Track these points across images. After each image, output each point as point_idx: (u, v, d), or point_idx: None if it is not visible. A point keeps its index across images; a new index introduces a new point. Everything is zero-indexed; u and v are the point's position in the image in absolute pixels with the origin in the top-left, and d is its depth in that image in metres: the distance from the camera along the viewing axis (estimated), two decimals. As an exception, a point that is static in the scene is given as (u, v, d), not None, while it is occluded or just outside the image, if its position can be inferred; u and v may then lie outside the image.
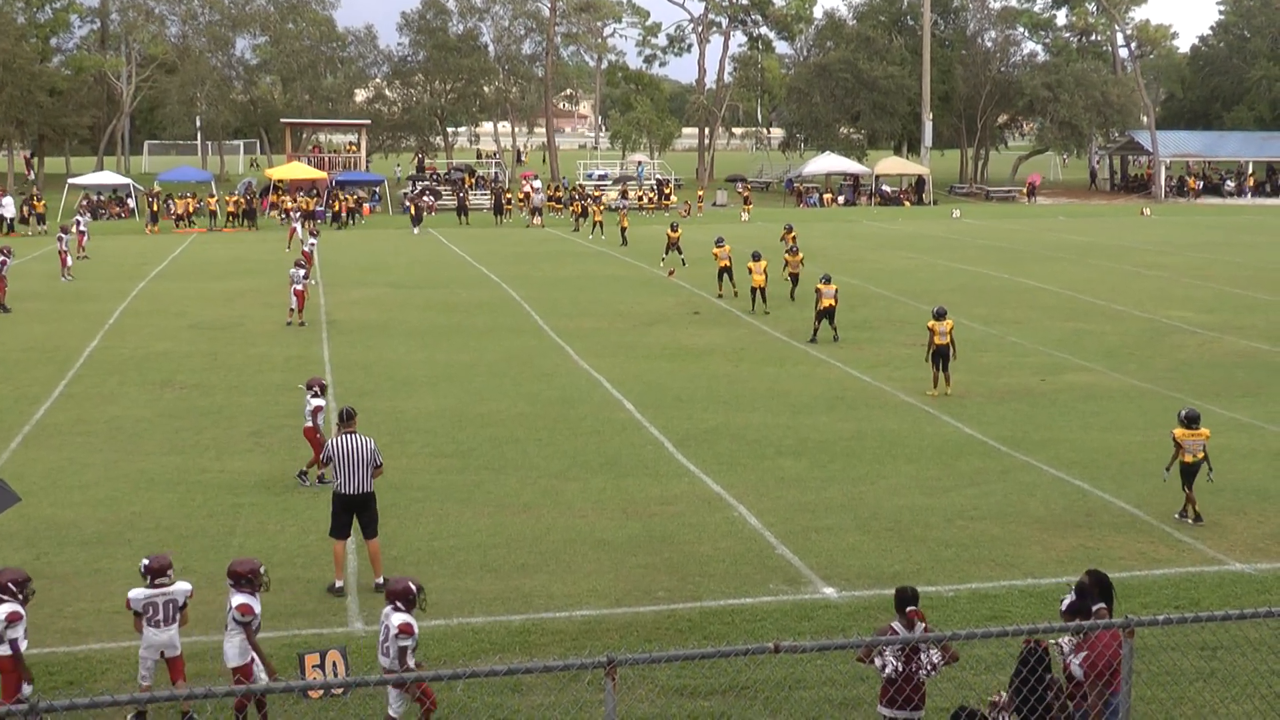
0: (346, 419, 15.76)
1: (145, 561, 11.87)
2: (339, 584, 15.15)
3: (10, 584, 11.18)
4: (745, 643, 13.12)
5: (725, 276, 38.50)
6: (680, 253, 46.02)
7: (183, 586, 11.91)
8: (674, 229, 47.18)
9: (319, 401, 19.34)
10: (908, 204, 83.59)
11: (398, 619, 10.95)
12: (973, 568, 15.69)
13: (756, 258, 35.32)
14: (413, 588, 11.08)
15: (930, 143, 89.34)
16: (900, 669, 10.12)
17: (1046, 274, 43.97)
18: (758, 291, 35.30)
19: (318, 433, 19.17)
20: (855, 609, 14.37)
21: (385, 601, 11.25)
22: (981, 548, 16.36)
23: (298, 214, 58.53)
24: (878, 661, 10.24)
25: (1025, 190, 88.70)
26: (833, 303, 30.57)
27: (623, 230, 55.61)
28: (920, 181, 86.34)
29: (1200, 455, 17.47)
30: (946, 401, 24.45)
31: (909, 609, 10.36)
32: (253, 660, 11.45)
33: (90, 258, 49.50)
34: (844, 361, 28.41)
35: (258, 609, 11.50)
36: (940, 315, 25.33)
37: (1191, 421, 17.61)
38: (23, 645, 11.17)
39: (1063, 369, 27.85)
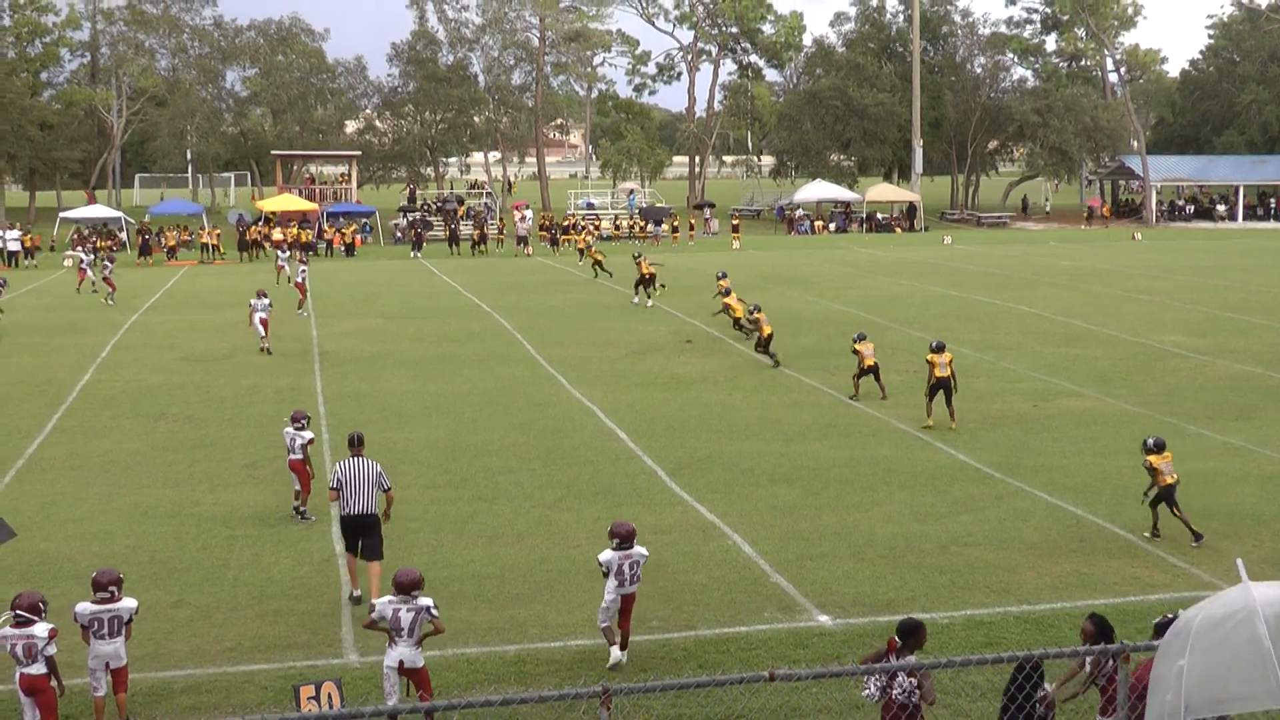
0: (356, 444, 16.32)
1: (93, 575, 12.36)
2: (356, 593, 15.57)
3: (40, 604, 11.71)
4: (740, 671, 13.07)
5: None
6: (651, 284, 44.19)
7: (129, 604, 12.35)
8: (641, 260, 45.18)
9: (309, 434, 19.35)
10: (899, 230, 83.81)
11: (426, 601, 12.01)
12: (967, 594, 15.68)
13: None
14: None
15: (921, 169, 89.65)
16: (876, 696, 10.14)
17: (1038, 299, 44.07)
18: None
19: (307, 464, 19.16)
20: (850, 636, 14.35)
21: (399, 590, 11.93)
22: (976, 574, 16.35)
23: (286, 248, 58.37)
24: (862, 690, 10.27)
25: (1085, 214, 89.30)
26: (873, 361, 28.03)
27: (597, 263, 53.08)
28: (911, 208, 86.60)
29: (1176, 477, 17.62)
30: (939, 428, 24.44)
31: (891, 638, 10.34)
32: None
33: (81, 293, 49.43)
34: (836, 389, 28.43)
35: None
36: (939, 349, 25.03)
37: (1160, 447, 17.83)
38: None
39: (1055, 394, 27.89)
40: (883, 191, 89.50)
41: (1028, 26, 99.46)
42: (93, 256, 53.35)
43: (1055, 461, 22.04)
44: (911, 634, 10.35)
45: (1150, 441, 18.05)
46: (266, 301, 35.28)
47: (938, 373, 24.67)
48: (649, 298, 44.05)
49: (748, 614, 15.10)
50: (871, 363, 27.02)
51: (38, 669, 11.58)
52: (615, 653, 13.74)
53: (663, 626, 14.72)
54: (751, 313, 33.46)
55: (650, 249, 69.17)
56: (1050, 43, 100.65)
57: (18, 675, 11.62)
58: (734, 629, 14.65)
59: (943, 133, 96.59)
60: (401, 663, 11.91)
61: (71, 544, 17.93)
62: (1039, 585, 15.94)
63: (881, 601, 15.31)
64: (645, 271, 44.11)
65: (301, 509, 19.18)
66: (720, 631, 14.57)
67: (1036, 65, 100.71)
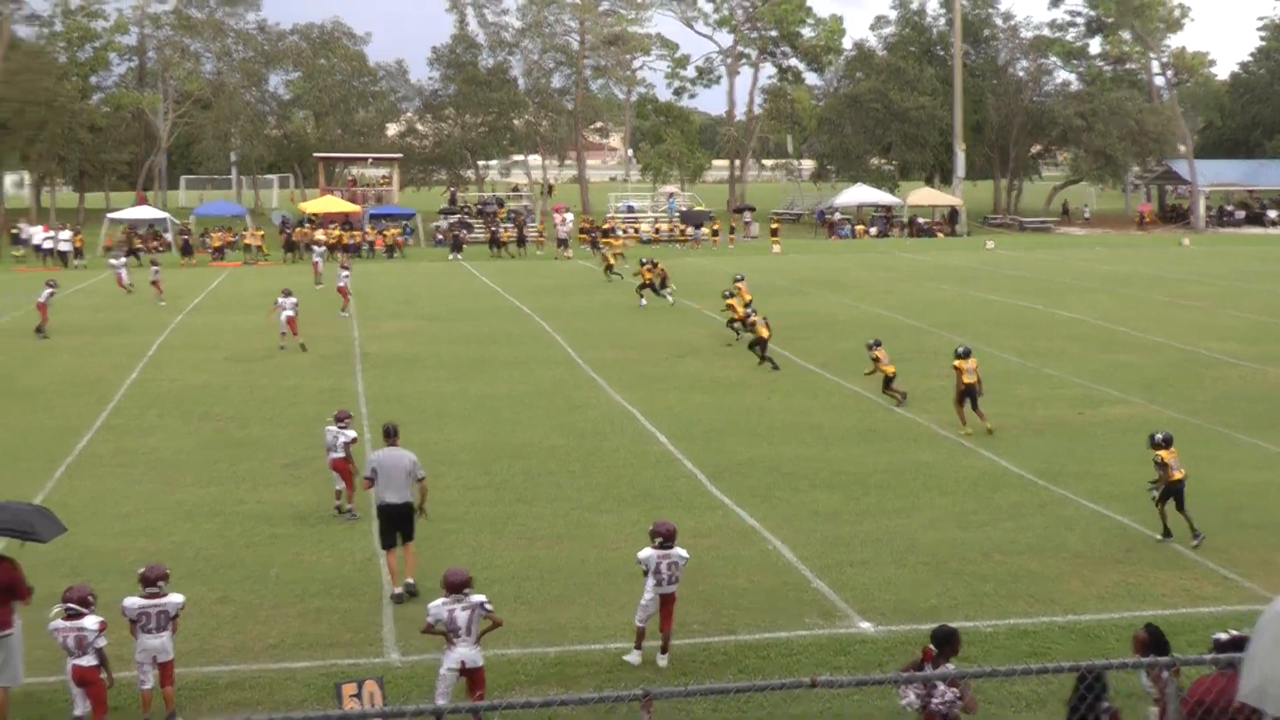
0: (391, 434, 16.65)
1: (140, 570, 12.53)
2: (397, 591, 15.76)
3: (90, 597, 11.96)
4: (781, 677, 13.05)
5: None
6: (659, 290, 44.91)
7: (175, 599, 12.52)
8: (648, 265, 46.05)
9: (351, 433, 19.47)
10: (940, 235, 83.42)
11: (479, 597, 12.13)
12: (1011, 603, 15.56)
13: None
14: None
15: (962, 173, 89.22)
16: (916, 705, 10.06)
17: (1082, 305, 43.76)
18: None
19: (350, 463, 19.25)
20: (892, 643, 14.28)
21: (450, 590, 12.01)
22: (1020, 583, 16.23)
23: (322, 249, 58.46)
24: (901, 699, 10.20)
25: (1137, 219, 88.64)
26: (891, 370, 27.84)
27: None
28: (953, 212, 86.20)
29: (1184, 472, 17.60)
30: (982, 434, 24.28)
31: (926, 647, 10.27)
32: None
33: (131, 292, 49.75)
34: (877, 394, 28.29)
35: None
36: (966, 354, 24.89)
37: (1168, 442, 17.90)
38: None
39: (1100, 401, 27.66)
40: (924, 196, 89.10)
41: (1071, 29, 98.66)
42: (123, 259, 53.46)
43: (1100, 469, 21.86)
44: (946, 642, 10.28)
45: (1158, 436, 18.06)
46: (293, 300, 35.90)
47: (966, 378, 24.53)
48: (669, 297, 44.76)
49: (788, 619, 15.05)
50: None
51: (88, 660, 11.78)
52: (635, 655, 13.78)
53: (703, 630, 14.70)
54: (749, 315, 33.57)
55: (690, 252, 69.22)
56: (1094, 46, 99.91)
57: (69, 666, 11.80)
58: (775, 634, 14.61)
59: (984, 136, 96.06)
60: (463, 663, 11.94)
61: (119, 540, 18.10)
62: (1085, 595, 15.80)
63: (924, 609, 15.22)
64: (646, 277, 44.99)
65: (348, 507, 19.25)
66: (761, 637, 14.53)
67: (1080, 68, 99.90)
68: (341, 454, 19.25)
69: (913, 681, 9.98)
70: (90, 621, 11.81)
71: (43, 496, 20.00)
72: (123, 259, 53.83)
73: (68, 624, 11.79)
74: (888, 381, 27.43)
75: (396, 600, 15.62)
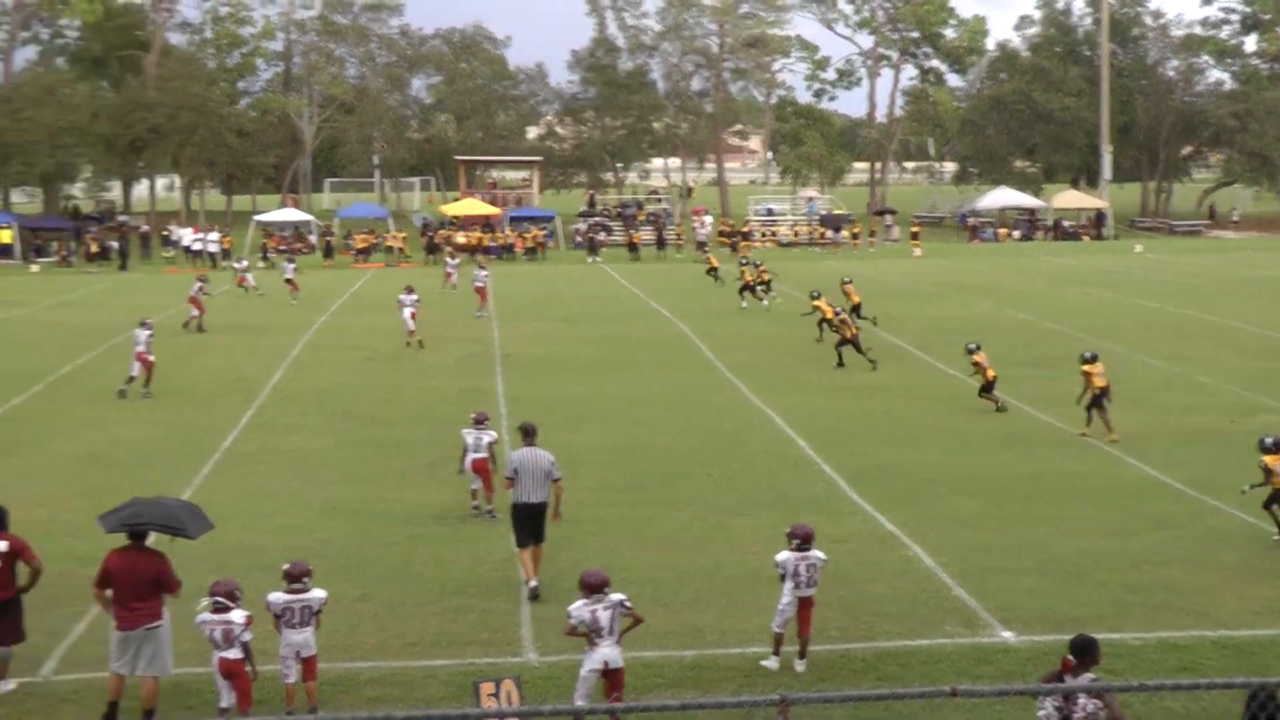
0: (530, 433, 16.77)
1: (285, 566, 12.71)
2: (533, 583, 15.93)
3: (236, 591, 12.18)
4: (921, 685, 12.85)
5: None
6: (761, 295, 45.07)
7: (318, 595, 12.68)
8: (749, 266, 46.65)
9: (493, 434, 19.66)
10: (1086, 239, 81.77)
11: (618, 595, 12.14)
12: (1160, 616, 15.11)
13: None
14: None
15: (1109, 175, 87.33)
16: (1055, 716, 9.79)
17: (1236, 310, 42.50)
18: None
19: (492, 462, 19.40)
20: (1035, 654, 13.95)
21: (590, 591, 12.00)
22: (1169, 595, 15.77)
23: (456, 258, 58.82)
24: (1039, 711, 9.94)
25: None
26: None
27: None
28: (1099, 215, 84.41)
29: None
30: (1130, 442, 23.68)
31: (1065, 657, 10.00)
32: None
33: (265, 294, 50.73)
34: (1020, 400, 27.79)
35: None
36: (1094, 359, 24.43)
37: (1278, 446, 17.77)
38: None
39: (1255, 410, 26.76)
40: (1069, 198, 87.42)
41: (1225, 27, 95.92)
42: (245, 264, 54.45)
43: (1255, 480, 21.13)
44: (1085, 651, 10.01)
45: (1269, 441, 17.84)
46: (414, 297, 37.09)
47: (1097, 382, 24.09)
48: (762, 299, 44.92)
49: (928, 627, 14.81)
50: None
51: (234, 654, 12.01)
52: (773, 661, 13.67)
53: (842, 636, 14.52)
54: (838, 314, 33.74)
55: (829, 256, 68.84)
56: (1250, 43, 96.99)
57: (215, 659, 12.04)
58: (914, 642, 14.38)
59: (1132, 138, 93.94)
60: (606, 664, 11.93)
61: (263, 536, 18.45)
62: (1239, 610, 15.28)
63: (1067, 619, 14.83)
64: (746, 278, 45.49)
65: (487, 508, 19.39)
66: (900, 644, 14.32)
67: (1234, 67, 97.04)
68: (485, 454, 19.42)
69: (1056, 693, 9.74)
70: (237, 615, 12.03)
71: (191, 493, 20.47)
72: (244, 261, 54.96)
73: (215, 617, 12.03)
74: (989, 386, 27.03)
75: (533, 595, 15.76)
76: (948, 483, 21.22)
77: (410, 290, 37.56)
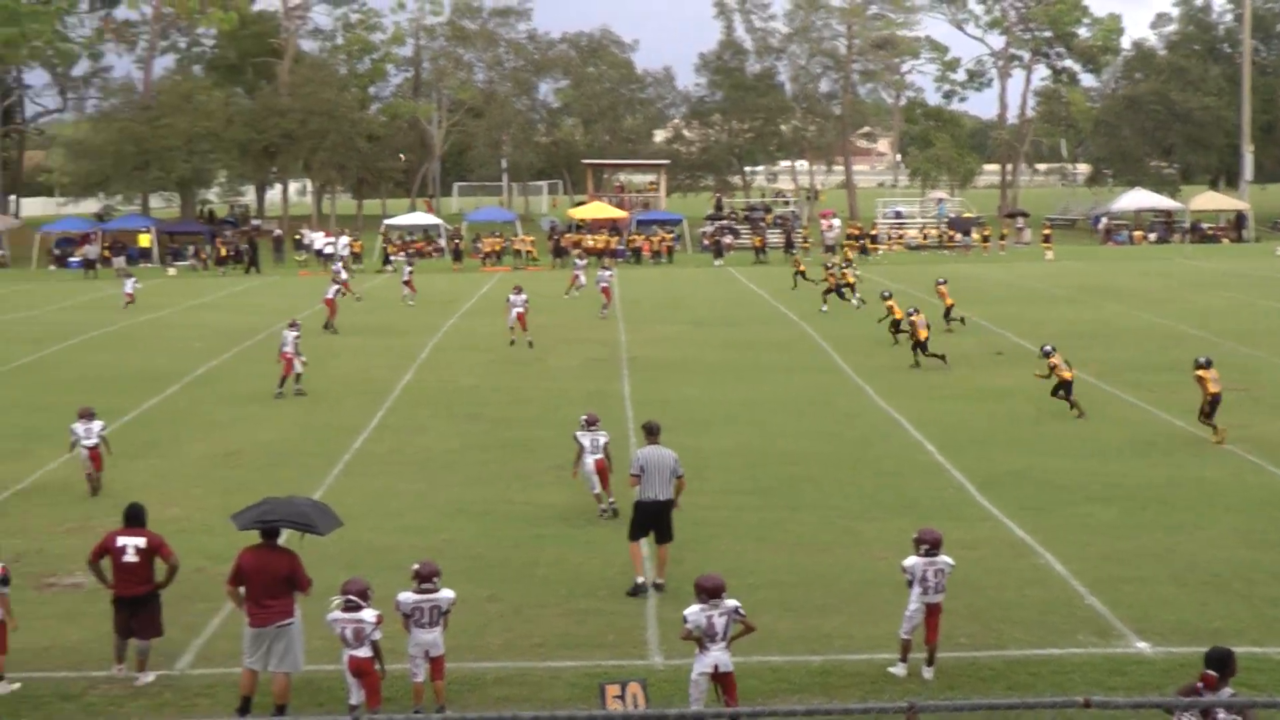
0: (654, 432, 16.80)
1: (415, 566, 12.82)
2: (640, 580, 16.04)
3: (367, 590, 12.35)
4: (1053, 695, 12.60)
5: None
6: (848, 297, 45.06)
7: (447, 595, 12.80)
8: (833, 270, 46.76)
9: (606, 435, 19.99)
10: (1225, 241, 79.71)
11: (733, 602, 12.04)
12: (1304, 629, 14.66)
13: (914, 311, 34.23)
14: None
15: (1250, 176, 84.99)
16: None
17: (1382, 315, 41.13)
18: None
19: (608, 460, 19.64)
20: (1171, 666, 13.60)
21: (707, 596, 11.95)
22: (1314, 607, 15.28)
23: (584, 262, 58.95)
24: None
25: None
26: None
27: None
28: (1239, 217, 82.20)
29: None
30: (1271, 449, 23.02)
31: (1205, 672, 9.74)
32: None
33: (363, 298, 50.77)
34: (1155, 405, 27.17)
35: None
36: (1208, 364, 23.86)
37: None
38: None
39: (1402, 416, 25.91)
40: (1208, 200, 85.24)
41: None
42: (344, 277, 54.86)
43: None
44: (1222, 664, 9.75)
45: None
46: (523, 297, 37.75)
47: (1211, 388, 23.55)
48: (851, 300, 45.03)
49: (1060, 636, 14.53)
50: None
51: (364, 652, 12.18)
52: (900, 667, 13.54)
53: (970, 644, 14.31)
54: (910, 314, 33.75)
55: (959, 259, 68.08)
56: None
57: (346, 657, 12.22)
58: (1046, 651, 14.11)
59: (1275, 137, 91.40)
60: (716, 667, 11.93)
61: (392, 536, 18.70)
62: (1393, 624, 14.75)
63: (1206, 631, 14.44)
64: (830, 282, 45.64)
65: (609, 500, 19.54)
66: (1031, 653, 14.07)
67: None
68: (602, 455, 19.59)
69: (1194, 707, 9.50)
70: (368, 614, 12.20)
71: (322, 492, 20.82)
72: (342, 268, 55.58)
73: (346, 616, 12.20)
74: (1065, 386, 26.63)
75: (638, 591, 15.84)
76: (1080, 489, 20.81)
77: (519, 290, 38.25)
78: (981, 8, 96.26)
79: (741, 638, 12.29)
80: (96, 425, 21.63)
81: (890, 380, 30.80)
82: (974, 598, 15.64)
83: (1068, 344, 34.58)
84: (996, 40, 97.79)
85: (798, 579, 16.62)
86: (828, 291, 45.30)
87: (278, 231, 79.12)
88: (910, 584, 13.54)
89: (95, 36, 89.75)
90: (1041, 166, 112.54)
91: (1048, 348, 27.62)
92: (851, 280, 45.93)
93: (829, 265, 48.04)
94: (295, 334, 30.11)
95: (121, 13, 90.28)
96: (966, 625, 14.77)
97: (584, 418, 20.19)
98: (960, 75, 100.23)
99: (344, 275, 51.10)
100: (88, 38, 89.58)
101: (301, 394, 29.65)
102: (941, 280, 41.65)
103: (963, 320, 38.79)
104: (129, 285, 50.72)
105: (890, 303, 36.78)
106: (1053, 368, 26.77)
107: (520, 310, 37.50)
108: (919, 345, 32.59)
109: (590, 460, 19.63)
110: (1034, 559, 17.35)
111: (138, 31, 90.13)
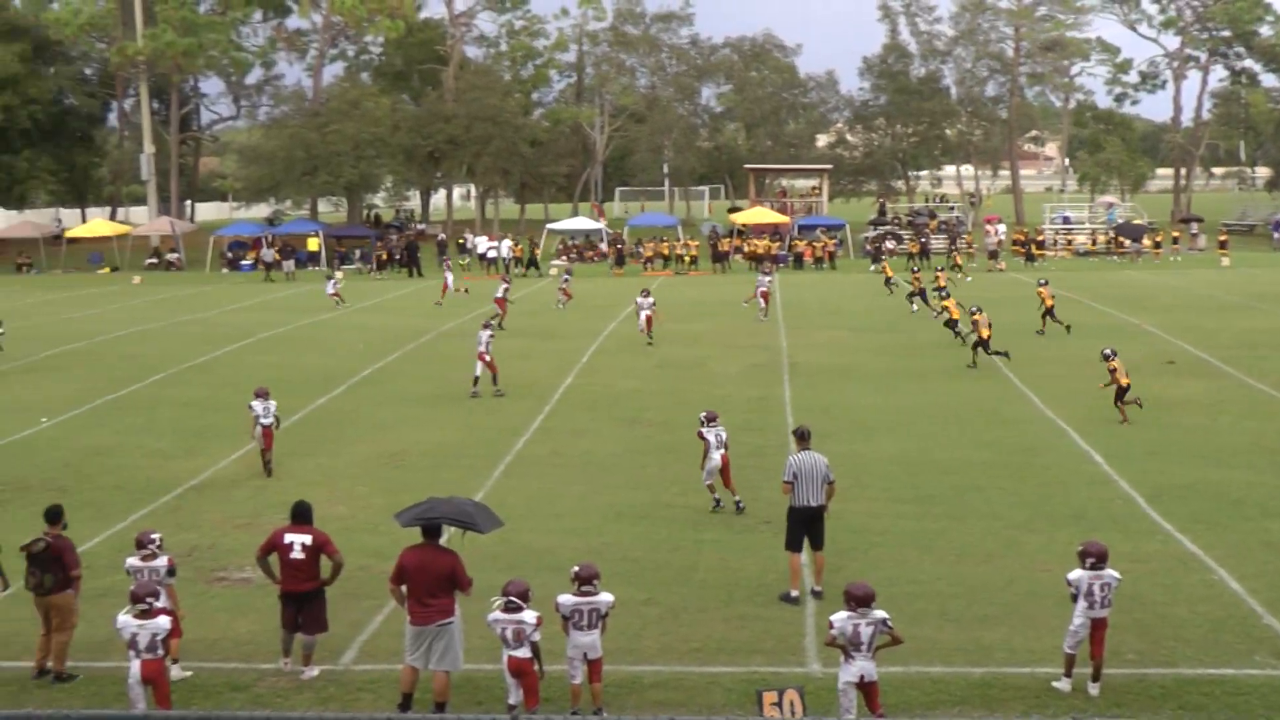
0: (805, 437, 16.73)
1: (575, 569, 12.90)
2: (794, 593, 15.98)
3: (528, 592, 12.48)
4: (1227, 716, 12.21)
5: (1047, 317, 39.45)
6: (926, 299, 44.65)
7: (606, 598, 12.86)
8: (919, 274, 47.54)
9: (724, 431, 20.29)
10: None
11: (881, 613, 11.94)
12: None
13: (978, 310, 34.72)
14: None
15: None
16: None
17: None
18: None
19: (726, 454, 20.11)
20: (1354, 690, 13.09)
21: (856, 605, 11.85)
22: None
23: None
24: None
25: None
26: None
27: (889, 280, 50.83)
28: None
29: None
30: None
31: None
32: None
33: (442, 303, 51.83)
34: (1339, 417, 26.17)
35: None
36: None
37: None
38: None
39: None
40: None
41: None
42: (453, 275, 55.32)
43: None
44: None
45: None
46: (651, 300, 39.08)
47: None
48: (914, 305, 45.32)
49: (1235, 655, 14.06)
50: None
51: (524, 653, 12.32)
52: (1064, 683, 13.23)
53: (1138, 661, 13.93)
54: (972, 314, 34.31)
55: (1129, 265, 66.53)
56: None
57: (505, 657, 12.36)
58: (1219, 670, 13.67)
59: None
60: (862, 677, 11.82)
61: (551, 537, 18.88)
62: None
63: (1392, 653, 13.88)
64: (915, 285, 45.97)
65: (736, 499, 19.93)
66: (1203, 672, 13.64)
67: None
68: (725, 450, 19.92)
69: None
70: (529, 616, 12.32)
71: (484, 494, 21.12)
72: (449, 273, 56.03)
73: (507, 617, 12.34)
74: (1121, 393, 26.17)
75: (791, 602, 15.77)
76: (1257, 503, 20.12)
77: (647, 294, 39.71)
78: (1155, 8, 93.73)
79: (887, 649, 12.14)
80: (272, 405, 23.18)
81: (1055, 388, 30.12)
82: (1142, 613, 15.24)
83: (1246, 354, 33.65)
84: (1171, 41, 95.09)
85: (960, 589, 16.37)
86: (912, 295, 45.76)
87: (441, 236, 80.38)
88: (1075, 598, 13.24)
89: (268, 45, 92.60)
90: (1218, 170, 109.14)
91: (1107, 350, 27.25)
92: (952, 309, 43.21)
93: (915, 269, 48.43)
94: (489, 334, 30.74)
95: (293, 22, 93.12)
96: (1134, 641, 14.39)
97: (703, 415, 20.36)
98: (1132, 77, 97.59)
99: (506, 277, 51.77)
100: (261, 47, 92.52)
101: (500, 394, 30.31)
102: (1043, 281, 42.18)
103: (1068, 328, 38.72)
104: (331, 286, 52.09)
105: (948, 302, 38.40)
106: (1112, 372, 26.37)
107: (648, 313, 38.80)
108: (981, 344, 33.28)
109: (716, 456, 19.83)
110: (1206, 574, 16.83)
111: (308, 40, 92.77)
